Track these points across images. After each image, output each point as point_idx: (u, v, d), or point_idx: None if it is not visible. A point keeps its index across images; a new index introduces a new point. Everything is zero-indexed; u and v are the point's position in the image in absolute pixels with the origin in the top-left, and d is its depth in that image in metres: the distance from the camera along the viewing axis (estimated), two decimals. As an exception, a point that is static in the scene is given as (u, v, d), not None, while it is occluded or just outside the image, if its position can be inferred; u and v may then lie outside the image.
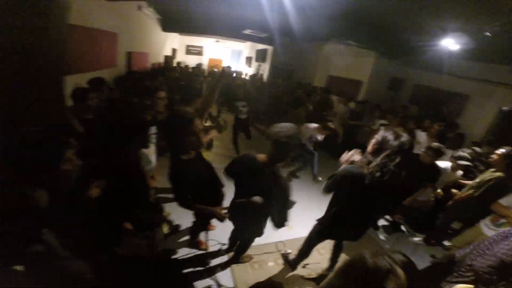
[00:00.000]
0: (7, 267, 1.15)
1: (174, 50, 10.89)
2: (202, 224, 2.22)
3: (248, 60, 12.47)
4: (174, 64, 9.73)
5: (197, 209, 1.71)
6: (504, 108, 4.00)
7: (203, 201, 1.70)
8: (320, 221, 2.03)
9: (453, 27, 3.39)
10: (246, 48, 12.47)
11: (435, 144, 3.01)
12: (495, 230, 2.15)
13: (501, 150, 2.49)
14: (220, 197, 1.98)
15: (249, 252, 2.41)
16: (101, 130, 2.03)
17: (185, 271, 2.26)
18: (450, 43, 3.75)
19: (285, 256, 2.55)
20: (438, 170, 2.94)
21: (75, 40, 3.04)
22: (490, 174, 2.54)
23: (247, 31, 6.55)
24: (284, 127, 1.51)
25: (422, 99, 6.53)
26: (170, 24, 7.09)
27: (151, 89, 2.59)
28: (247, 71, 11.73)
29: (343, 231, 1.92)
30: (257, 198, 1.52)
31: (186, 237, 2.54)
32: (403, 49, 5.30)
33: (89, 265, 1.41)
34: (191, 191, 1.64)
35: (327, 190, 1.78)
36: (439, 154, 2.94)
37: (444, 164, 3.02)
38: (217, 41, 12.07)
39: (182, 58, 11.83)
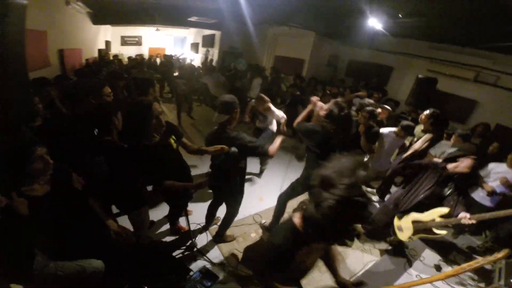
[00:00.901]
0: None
1: (107, 43, 9.74)
2: (178, 208, 2.32)
3: (194, 46, 12.00)
4: (111, 57, 8.84)
5: (168, 186, 1.75)
6: (420, 76, 5.03)
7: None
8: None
9: (377, 9, 4.04)
10: (191, 34, 11.91)
11: (368, 108, 3.31)
12: None
13: (426, 112, 3.13)
14: (188, 180, 2.12)
15: (231, 229, 2.60)
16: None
17: (176, 256, 2.31)
18: (375, 23, 4.47)
19: (263, 226, 2.80)
20: (376, 130, 3.23)
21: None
22: (420, 132, 3.17)
23: (194, 18, 6.35)
24: None
25: (356, 72, 7.54)
26: (101, 16, 6.35)
27: (95, 87, 2.29)
28: (194, 57, 11.35)
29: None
30: (234, 149, 1.76)
31: (165, 227, 2.61)
32: (339, 29, 5.96)
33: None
34: (160, 175, 1.72)
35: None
36: (373, 116, 3.10)
37: (387, 129, 3.19)
38: (157, 30, 11.19)
39: (118, 49, 10.70)
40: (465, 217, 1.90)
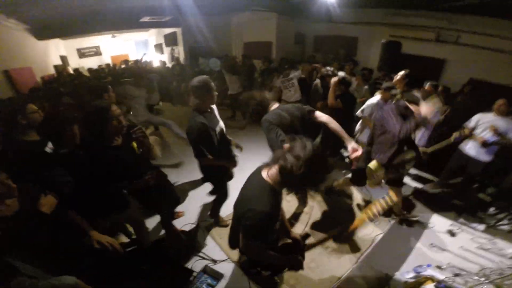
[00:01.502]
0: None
1: (63, 58, 9.08)
2: (165, 213, 2.29)
3: (158, 47, 11.49)
4: (71, 71, 8.29)
5: (135, 185, 1.76)
6: (383, 41, 5.11)
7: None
8: None
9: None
10: (152, 36, 11.35)
11: (341, 74, 3.40)
12: None
13: (400, 73, 3.11)
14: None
15: (226, 222, 2.58)
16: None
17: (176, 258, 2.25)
18: None
19: None
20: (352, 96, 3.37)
21: None
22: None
23: (146, 19, 5.99)
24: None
25: (323, 47, 7.55)
26: (43, 31, 5.82)
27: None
28: (160, 58, 10.87)
29: None
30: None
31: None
32: (298, 7, 5.88)
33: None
34: (124, 176, 1.71)
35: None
36: (345, 83, 3.23)
37: (374, 98, 3.18)
38: (113, 36, 10.54)
39: (77, 63, 10.03)
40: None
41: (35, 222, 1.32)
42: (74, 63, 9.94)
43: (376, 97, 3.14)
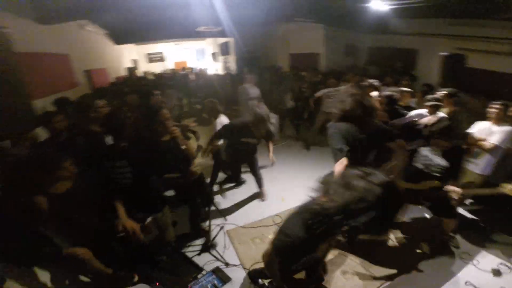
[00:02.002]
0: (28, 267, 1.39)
1: (135, 61, 10.65)
2: (197, 208, 2.47)
3: (215, 56, 12.44)
4: (141, 74, 9.61)
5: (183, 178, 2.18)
6: (443, 53, 4.43)
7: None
8: None
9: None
10: (210, 45, 12.39)
11: (386, 92, 3.04)
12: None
13: (442, 92, 2.83)
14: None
15: (248, 230, 2.67)
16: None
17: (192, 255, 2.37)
18: (381, 5, 4.04)
19: None
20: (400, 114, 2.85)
21: (27, 66, 3.01)
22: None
23: (201, 28, 6.56)
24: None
25: (378, 60, 6.95)
26: (121, 36, 6.95)
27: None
28: (216, 67, 11.71)
29: None
30: None
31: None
32: (347, 17, 5.59)
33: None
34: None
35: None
36: (392, 101, 2.89)
37: (420, 110, 2.89)
38: (176, 44, 11.87)
39: (146, 67, 11.62)
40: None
41: (79, 202, 1.53)
42: (143, 67, 11.57)
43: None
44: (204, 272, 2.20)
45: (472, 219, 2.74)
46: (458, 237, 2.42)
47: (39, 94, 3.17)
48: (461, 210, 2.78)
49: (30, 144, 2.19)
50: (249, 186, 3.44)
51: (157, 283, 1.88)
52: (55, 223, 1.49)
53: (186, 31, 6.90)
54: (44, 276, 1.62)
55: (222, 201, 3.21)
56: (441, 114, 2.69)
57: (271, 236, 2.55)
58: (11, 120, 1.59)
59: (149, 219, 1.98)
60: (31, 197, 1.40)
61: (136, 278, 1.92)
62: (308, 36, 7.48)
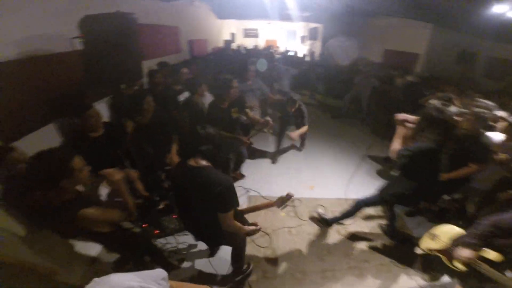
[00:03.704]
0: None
1: (232, 35, 11.82)
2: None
3: (303, 39, 12.35)
4: (234, 47, 10.78)
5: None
6: None
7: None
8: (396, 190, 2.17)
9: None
10: (301, 28, 12.31)
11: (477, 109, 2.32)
12: None
13: None
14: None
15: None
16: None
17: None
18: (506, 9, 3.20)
19: (319, 215, 2.75)
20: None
21: (145, 34, 4.20)
22: None
23: (289, 11, 6.74)
24: None
25: (500, 73, 5.47)
26: (223, 12, 7.92)
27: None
28: (304, 50, 11.71)
29: (413, 199, 2.19)
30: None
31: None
32: (462, 19, 4.56)
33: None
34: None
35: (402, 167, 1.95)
36: (481, 121, 2.15)
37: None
38: (268, 23, 12.32)
39: (241, 41, 12.73)
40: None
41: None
42: (239, 40, 12.72)
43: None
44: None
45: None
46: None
47: (150, 56, 4.30)
48: None
49: (137, 88, 3.15)
50: (289, 163, 3.86)
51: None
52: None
53: (278, 12, 7.21)
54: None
55: (259, 169, 3.69)
56: None
57: (283, 214, 2.86)
58: (125, 74, 2.42)
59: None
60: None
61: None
62: (409, 34, 6.50)
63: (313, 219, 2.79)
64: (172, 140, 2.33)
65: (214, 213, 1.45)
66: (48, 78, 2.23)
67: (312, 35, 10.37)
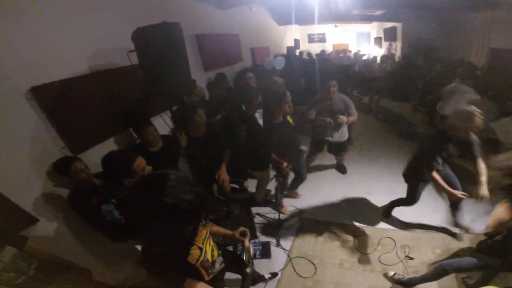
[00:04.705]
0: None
1: (296, 41, 11.57)
2: (281, 183, 2.75)
3: (377, 40, 10.99)
4: (297, 53, 10.52)
5: (272, 159, 2.40)
6: None
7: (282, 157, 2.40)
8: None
9: None
10: (374, 29, 10.99)
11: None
12: None
13: None
14: (296, 152, 2.59)
15: (322, 226, 2.74)
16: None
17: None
18: None
19: (394, 279, 2.11)
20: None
21: (206, 44, 4.42)
22: None
23: (356, 11, 6.01)
24: None
25: None
26: (283, 18, 7.76)
27: None
28: (379, 52, 10.40)
29: None
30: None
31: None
32: None
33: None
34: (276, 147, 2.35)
35: None
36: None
37: None
38: (335, 26, 11.47)
39: (306, 47, 12.34)
40: None
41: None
42: (303, 46, 12.35)
43: None
44: (257, 240, 2.51)
45: None
46: None
47: (212, 67, 4.43)
48: None
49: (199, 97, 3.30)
50: (352, 186, 3.42)
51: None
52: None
53: (343, 14, 6.60)
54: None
55: (320, 191, 3.35)
56: None
57: (337, 243, 2.52)
58: (175, 84, 2.28)
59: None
60: None
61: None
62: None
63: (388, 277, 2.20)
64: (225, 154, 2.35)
65: None
66: (111, 92, 2.39)
67: (388, 35, 9.10)
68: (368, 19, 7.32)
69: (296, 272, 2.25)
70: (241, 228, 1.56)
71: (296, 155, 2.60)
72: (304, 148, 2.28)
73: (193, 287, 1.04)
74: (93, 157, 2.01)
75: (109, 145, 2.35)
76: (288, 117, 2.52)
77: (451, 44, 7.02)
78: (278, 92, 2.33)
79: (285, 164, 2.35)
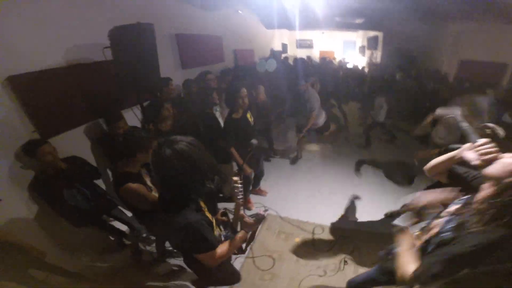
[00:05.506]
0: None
1: (284, 45, 11.71)
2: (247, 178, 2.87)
3: (361, 49, 11.34)
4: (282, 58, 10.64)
5: (231, 154, 2.57)
6: None
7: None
8: None
9: None
10: (359, 37, 11.33)
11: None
12: None
13: None
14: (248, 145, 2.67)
15: (285, 223, 2.86)
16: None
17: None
18: None
19: None
20: None
21: (186, 44, 4.44)
22: None
23: (338, 18, 6.18)
24: None
25: None
26: (271, 21, 7.86)
27: None
28: (363, 61, 10.70)
29: None
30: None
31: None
32: None
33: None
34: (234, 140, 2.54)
35: None
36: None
37: None
38: (322, 33, 11.74)
39: (293, 51, 12.50)
40: None
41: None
42: (291, 51, 12.50)
43: None
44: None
45: None
46: None
47: (190, 65, 4.52)
48: None
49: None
50: (314, 184, 3.63)
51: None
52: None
53: (328, 21, 6.76)
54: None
55: (282, 188, 3.54)
56: None
57: (297, 240, 2.62)
58: (144, 84, 2.36)
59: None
60: None
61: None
62: (497, 41, 5.14)
63: None
64: None
65: None
66: (85, 84, 2.56)
67: (371, 44, 9.40)
68: (351, 27, 7.53)
69: (255, 264, 2.35)
70: (220, 211, 1.68)
71: (247, 148, 2.59)
72: (255, 141, 2.33)
73: (222, 248, 1.29)
74: (62, 144, 2.17)
75: (77, 133, 2.52)
76: (248, 115, 2.69)
77: (425, 55, 7.32)
78: (234, 88, 2.54)
79: (249, 171, 2.66)
